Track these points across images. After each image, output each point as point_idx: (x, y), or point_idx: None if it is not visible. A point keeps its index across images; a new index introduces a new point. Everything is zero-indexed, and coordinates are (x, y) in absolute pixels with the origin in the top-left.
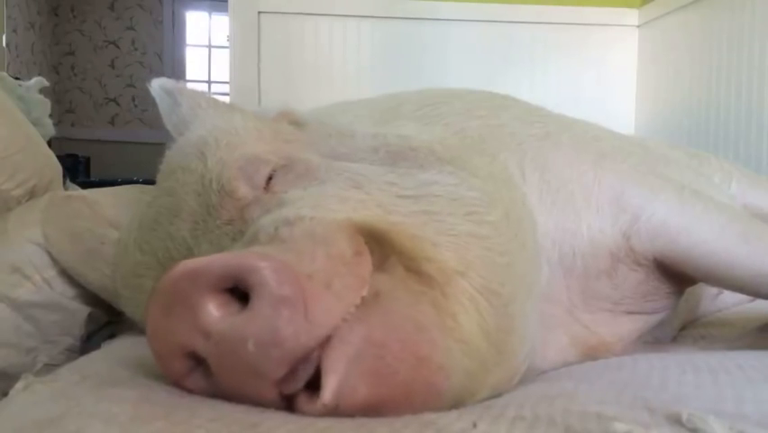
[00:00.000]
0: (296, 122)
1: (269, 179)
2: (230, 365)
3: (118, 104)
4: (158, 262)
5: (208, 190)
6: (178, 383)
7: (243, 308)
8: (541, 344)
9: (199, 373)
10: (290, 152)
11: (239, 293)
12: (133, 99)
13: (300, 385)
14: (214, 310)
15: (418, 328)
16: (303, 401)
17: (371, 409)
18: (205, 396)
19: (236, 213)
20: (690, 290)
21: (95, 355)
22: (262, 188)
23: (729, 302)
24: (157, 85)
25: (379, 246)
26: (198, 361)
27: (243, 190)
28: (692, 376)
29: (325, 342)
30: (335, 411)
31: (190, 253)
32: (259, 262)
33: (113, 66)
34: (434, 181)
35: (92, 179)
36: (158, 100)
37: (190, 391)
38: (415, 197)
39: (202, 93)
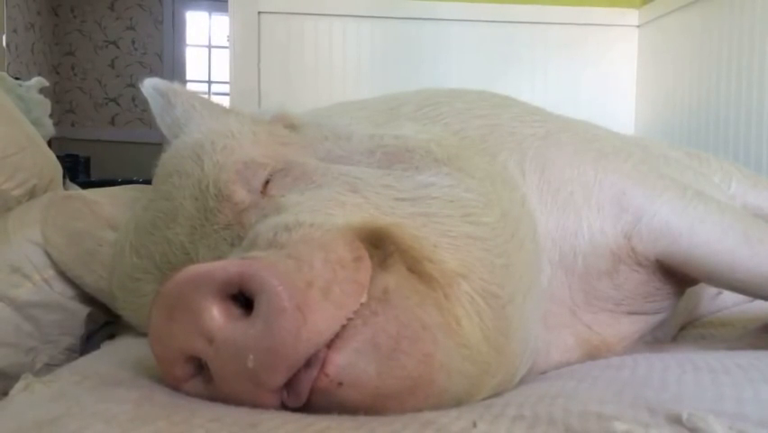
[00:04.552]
0: (291, 125)
1: (267, 182)
2: (230, 371)
3: (118, 104)
4: (155, 267)
5: (205, 194)
6: (178, 388)
7: (247, 315)
8: (545, 344)
9: (200, 379)
10: (287, 155)
11: (243, 299)
12: (133, 99)
13: (303, 400)
14: (217, 315)
15: (424, 327)
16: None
17: (377, 400)
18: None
19: (234, 217)
20: (690, 290)
21: (95, 355)
22: (260, 192)
23: (729, 302)
24: (149, 85)
25: (379, 248)
26: (199, 367)
27: (241, 194)
28: (692, 376)
29: (331, 342)
30: (339, 392)
31: (188, 258)
32: (259, 271)
33: (113, 66)
34: (430, 183)
35: (92, 179)
36: (150, 101)
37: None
38: (412, 199)
39: (196, 94)
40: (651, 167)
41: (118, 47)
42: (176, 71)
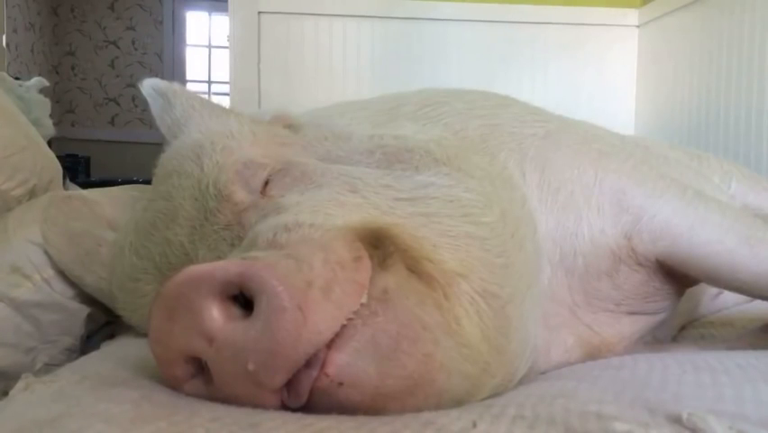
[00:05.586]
0: (291, 125)
1: (266, 183)
2: (230, 372)
3: (118, 104)
4: (155, 267)
5: (205, 195)
6: (178, 388)
7: (247, 315)
8: (545, 344)
9: (200, 380)
10: (286, 155)
11: (243, 300)
12: (133, 99)
13: (303, 400)
14: (217, 316)
15: (424, 327)
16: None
17: (377, 400)
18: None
19: (233, 217)
20: (690, 290)
21: (95, 355)
22: (259, 193)
23: (729, 302)
24: (149, 85)
25: (379, 248)
26: (199, 367)
27: (240, 195)
28: (692, 376)
29: (331, 342)
30: (340, 392)
31: (188, 258)
32: (259, 271)
33: (113, 66)
34: (430, 183)
35: (92, 179)
36: (150, 101)
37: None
38: (411, 199)
39: (195, 94)
40: (651, 167)
41: (118, 47)
42: (176, 71)
